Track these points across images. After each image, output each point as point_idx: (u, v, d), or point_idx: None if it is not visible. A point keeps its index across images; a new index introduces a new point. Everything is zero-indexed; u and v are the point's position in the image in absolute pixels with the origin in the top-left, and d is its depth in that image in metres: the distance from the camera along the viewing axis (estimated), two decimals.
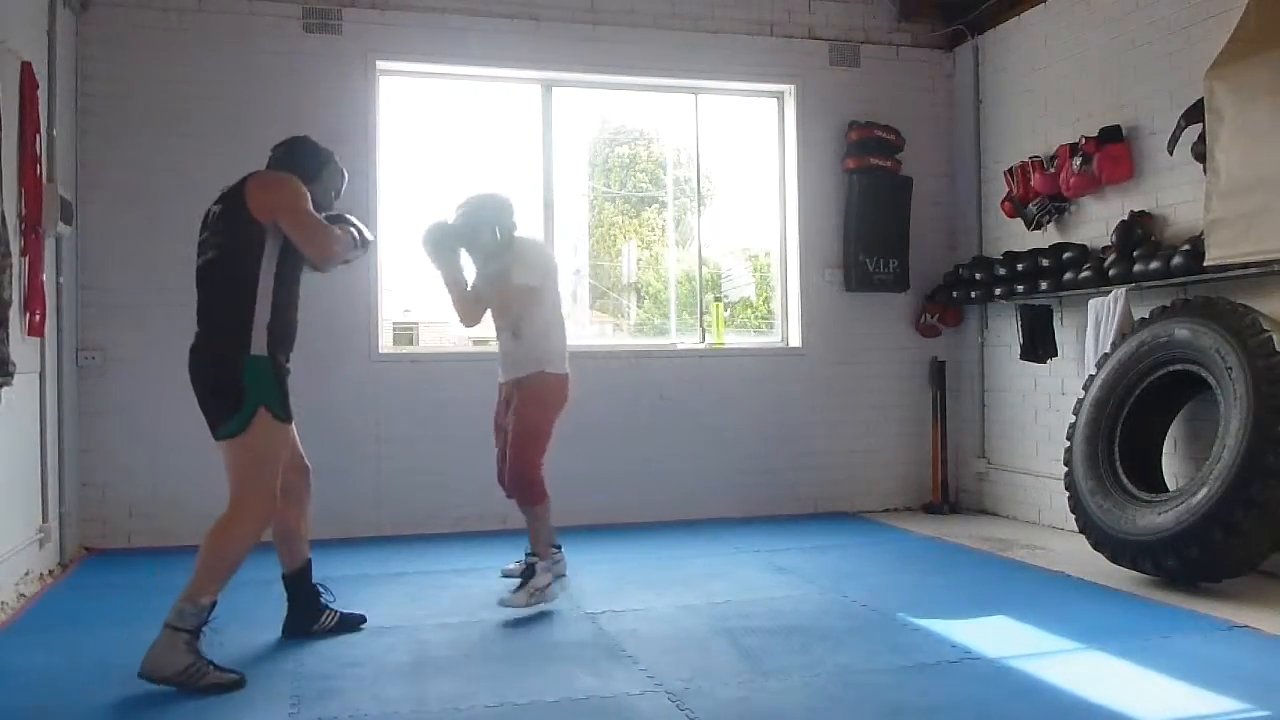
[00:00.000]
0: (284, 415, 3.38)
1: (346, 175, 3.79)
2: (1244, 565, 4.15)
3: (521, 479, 4.10)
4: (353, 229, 3.62)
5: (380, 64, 5.93)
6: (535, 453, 4.12)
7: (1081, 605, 4.14)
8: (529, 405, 4.13)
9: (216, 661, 3.19)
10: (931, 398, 6.60)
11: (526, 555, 4.26)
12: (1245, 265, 4.32)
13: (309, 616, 3.74)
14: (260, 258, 3.34)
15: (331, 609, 3.79)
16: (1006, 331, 6.20)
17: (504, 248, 4.15)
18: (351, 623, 3.82)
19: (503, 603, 4.01)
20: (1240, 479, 3.98)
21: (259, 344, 3.31)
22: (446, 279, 4.24)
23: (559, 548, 4.24)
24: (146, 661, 3.10)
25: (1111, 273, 5.08)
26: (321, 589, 3.81)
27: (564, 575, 4.23)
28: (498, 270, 4.15)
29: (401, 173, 6.12)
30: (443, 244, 4.20)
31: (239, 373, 3.28)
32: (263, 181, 3.43)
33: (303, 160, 3.60)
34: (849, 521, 6.23)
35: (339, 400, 5.69)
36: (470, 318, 4.31)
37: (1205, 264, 4.44)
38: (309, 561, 3.77)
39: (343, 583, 4.46)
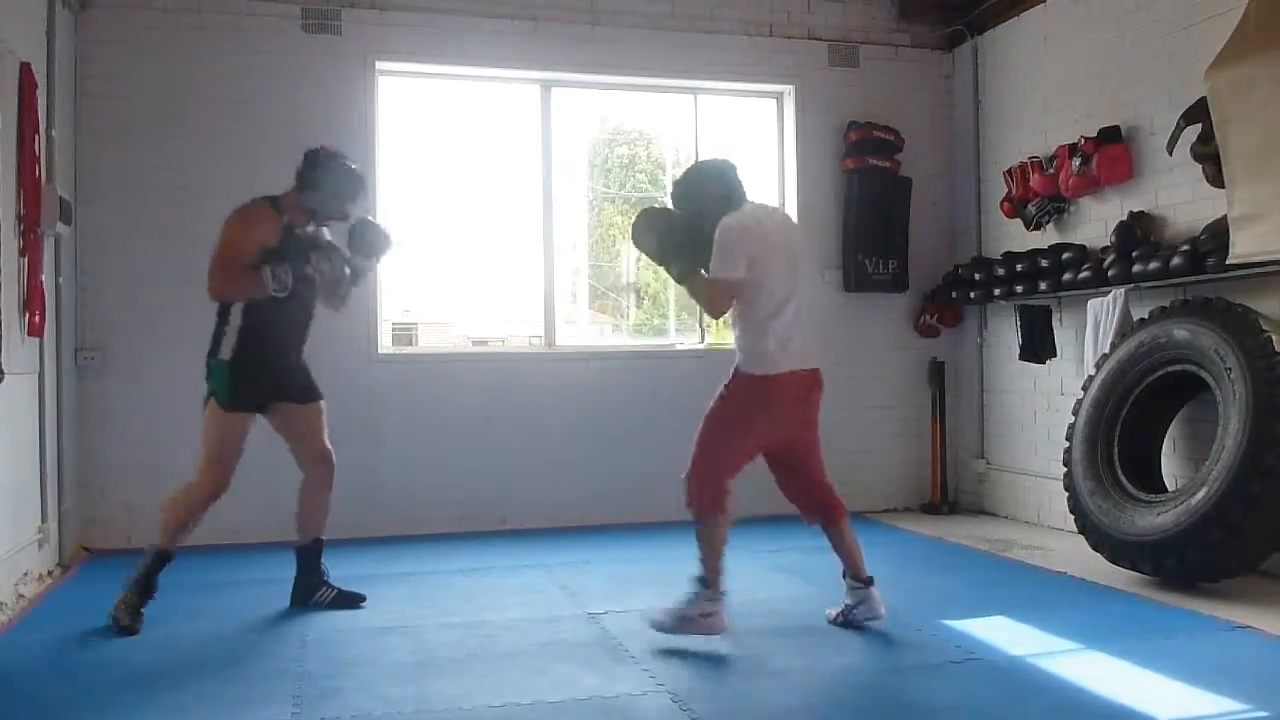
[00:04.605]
0: (226, 404, 3.85)
1: (354, 182, 4.05)
2: (1244, 565, 4.15)
3: (689, 479, 3.80)
4: (272, 270, 3.78)
5: (380, 64, 5.92)
6: (709, 454, 3.78)
7: (1081, 605, 4.14)
8: (716, 401, 3.82)
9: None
10: (931, 398, 6.60)
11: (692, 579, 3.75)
12: (1271, 263, 4.27)
13: (308, 590, 4.16)
14: None
15: (329, 585, 4.18)
16: (1006, 332, 6.20)
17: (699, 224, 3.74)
18: (350, 600, 4.17)
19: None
20: (1240, 479, 3.99)
21: (227, 348, 3.86)
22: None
23: None
24: None
25: (1111, 273, 5.09)
26: (324, 568, 4.21)
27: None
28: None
29: (401, 173, 6.11)
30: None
31: (209, 371, 3.91)
32: None
33: (303, 170, 4.00)
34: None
35: (339, 400, 5.60)
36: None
37: (1228, 261, 4.37)
38: (317, 541, 4.19)
39: (344, 583, 4.46)
